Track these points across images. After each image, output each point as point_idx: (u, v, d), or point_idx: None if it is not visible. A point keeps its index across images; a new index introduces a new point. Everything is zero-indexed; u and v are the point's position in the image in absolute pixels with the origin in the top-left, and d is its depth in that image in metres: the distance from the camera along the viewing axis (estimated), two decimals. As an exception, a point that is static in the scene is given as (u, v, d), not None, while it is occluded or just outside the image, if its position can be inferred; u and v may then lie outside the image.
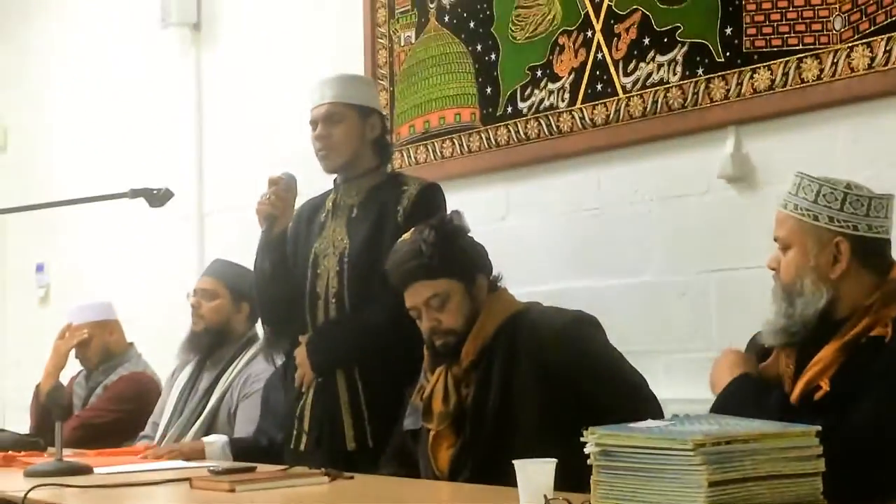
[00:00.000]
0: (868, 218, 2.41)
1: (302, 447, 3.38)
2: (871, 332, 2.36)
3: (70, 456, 3.38)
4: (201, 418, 3.99)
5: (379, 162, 3.53)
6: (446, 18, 4.11)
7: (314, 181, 3.63)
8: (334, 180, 3.55)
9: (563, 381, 2.85)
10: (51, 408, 3.26)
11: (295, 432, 3.41)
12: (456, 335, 2.97)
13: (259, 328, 3.99)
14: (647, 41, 3.46)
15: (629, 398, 2.84)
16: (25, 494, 2.64)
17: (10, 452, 3.51)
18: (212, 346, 4.11)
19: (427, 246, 2.96)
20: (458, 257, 3.00)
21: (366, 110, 3.50)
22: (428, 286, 2.97)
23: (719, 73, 3.28)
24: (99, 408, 4.50)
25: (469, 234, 3.09)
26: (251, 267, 3.63)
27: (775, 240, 2.50)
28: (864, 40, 2.98)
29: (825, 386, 2.35)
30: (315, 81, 3.55)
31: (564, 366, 2.86)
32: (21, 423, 4.85)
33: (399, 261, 3.02)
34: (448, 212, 3.14)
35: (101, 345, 4.64)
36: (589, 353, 2.92)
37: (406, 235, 3.06)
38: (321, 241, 3.47)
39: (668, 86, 3.40)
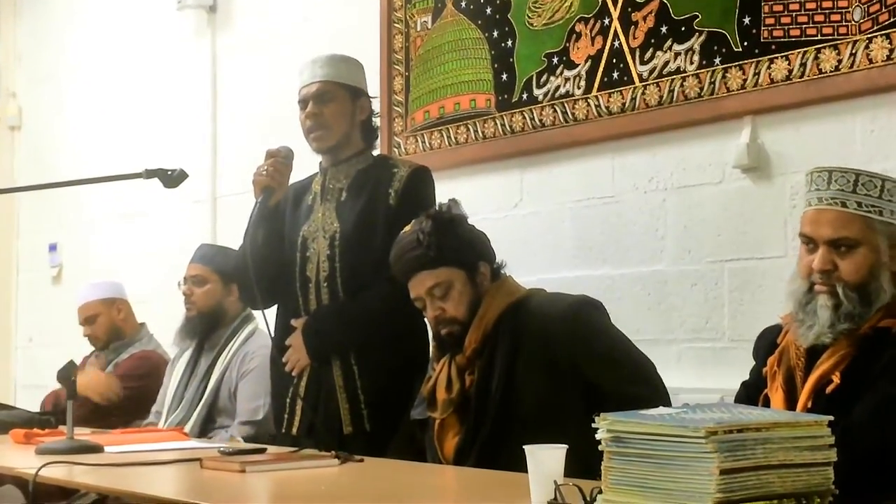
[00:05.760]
0: None
1: (294, 431, 3.39)
2: (879, 324, 2.36)
3: (87, 435, 3.39)
4: (203, 401, 4.01)
5: (365, 145, 3.51)
6: (463, 4, 4.10)
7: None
8: (320, 163, 3.54)
9: (565, 366, 2.85)
10: (62, 385, 3.28)
11: (287, 416, 3.42)
12: (460, 324, 2.97)
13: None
14: (664, 30, 3.45)
15: (630, 383, 2.83)
16: (37, 472, 2.65)
17: (33, 430, 3.53)
18: (206, 329, 4.16)
19: (425, 236, 2.97)
20: (458, 245, 3.01)
21: (356, 91, 3.49)
22: (429, 276, 2.98)
23: (736, 63, 3.27)
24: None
25: (468, 222, 3.09)
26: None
27: (834, 241, 2.39)
28: (883, 32, 2.96)
29: (836, 379, 2.34)
30: (305, 61, 3.53)
31: (566, 351, 2.86)
32: (33, 402, 4.86)
33: (400, 252, 3.04)
34: (446, 200, 3.13)
35: (108, 322, 4.66)
36: (589, 337, 2.91)
37: (407, 227, 3.07)
38: (310, 224, 3.45)
39: (684, 75, 3.39)
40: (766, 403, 2.45)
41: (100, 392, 4.38)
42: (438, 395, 2.98)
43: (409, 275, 3.02)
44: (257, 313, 3.66)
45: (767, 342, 2.57)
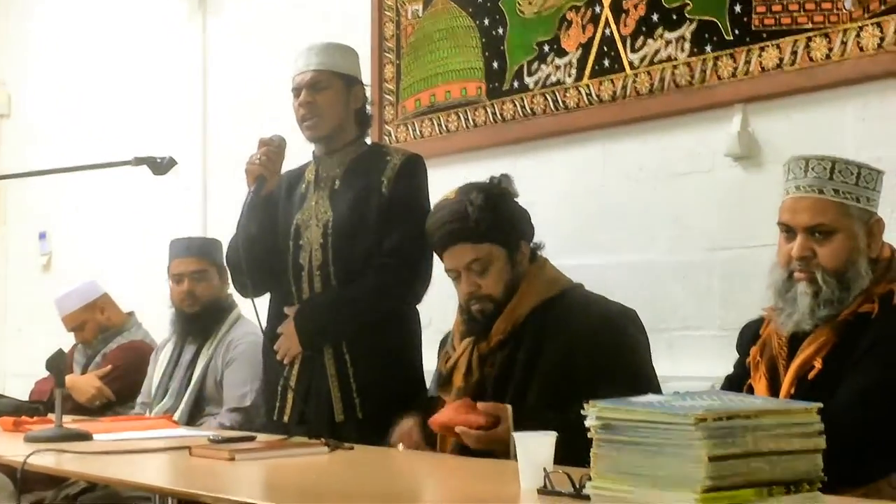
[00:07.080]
0: (878, 194, 2.43)
1: (286, 419, 3.37)
2: (859, 310, 2.37)
3: (76, 423, 3.38)
4: (189, 390, 3.99)
5: (359, 133, 3.50)
6: (454, -8, 4.09)
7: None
8: (313, 152, 3.53)
9: (584, 377, 2.76)
10: (51, 374, 3.27)
11: (278, 404, 3.40)
12: (494, 302, 2.91)
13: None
14: (655, 17, 3.44)
15: None
16: (25, 459, 2.64)
17: (22, 417, 3.52)
18: (211, 324, 4.08)
19: (474, 209, 2.90)
20: (505, 222, 2.94)
21: (350, 80, 3.47)
22: (471, 250, 2.91)
23: (727, 51, 3.26)
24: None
25: (516, 199, 3.04)
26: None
27: (812, 227, 2.41)
28: (873, 20, 2.96)
29: (818, 365, 2.36)
30: (299, 49, 3.52)
31: (590, 366, 2.77)
32: (23, 391, 4.85)
33: (441, 221, 2.96)
34: (498, 175, 3.07)
35: (95, 326, 4.63)
36: (616, 363, 2.78)
37: (450, 195, 3.00)
38: (303, 213, 3.44)
39: (675, 63, 3.39)
40: (750, 393, 2.45)
41: (86, 399, 4.34)
42: (455, 379, 2.94)
43: (447, 245, 2.94)
44: (246, 302, 3.64)
45: (750, 334, 2.59)
